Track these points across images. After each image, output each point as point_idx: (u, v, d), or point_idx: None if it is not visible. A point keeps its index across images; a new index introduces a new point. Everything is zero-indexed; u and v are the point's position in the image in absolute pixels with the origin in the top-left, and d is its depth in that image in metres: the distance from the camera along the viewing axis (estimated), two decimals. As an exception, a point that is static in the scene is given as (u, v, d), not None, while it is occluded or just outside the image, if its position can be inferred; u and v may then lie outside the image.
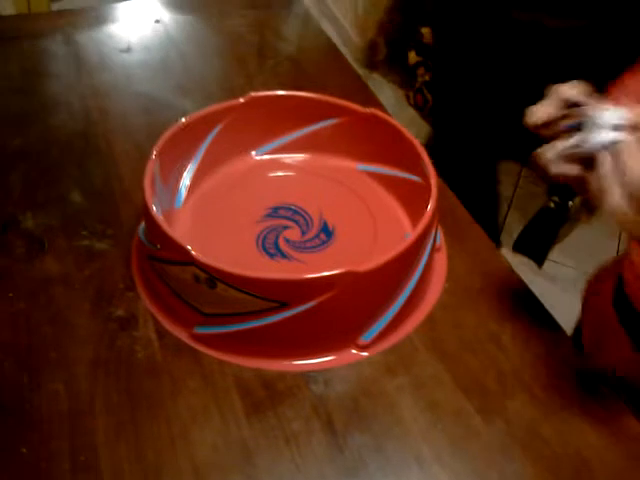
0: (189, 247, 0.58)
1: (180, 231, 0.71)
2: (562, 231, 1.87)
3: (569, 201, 1.85)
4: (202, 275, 0.58)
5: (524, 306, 0.70)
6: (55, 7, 2.61)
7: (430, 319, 0.67)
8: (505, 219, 1.99)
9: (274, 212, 0.76)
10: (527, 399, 0.61)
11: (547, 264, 1.86)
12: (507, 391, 0.61)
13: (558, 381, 0.63)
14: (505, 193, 2.03)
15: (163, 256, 0.63)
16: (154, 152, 0.68)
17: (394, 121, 0.76)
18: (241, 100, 0.76)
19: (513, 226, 1.93)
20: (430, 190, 0.67)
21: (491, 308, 0.69)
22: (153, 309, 0.66)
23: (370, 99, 0.99)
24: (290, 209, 0.77)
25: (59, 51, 1.06)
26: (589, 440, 0.58)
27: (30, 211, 0.76)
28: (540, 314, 0.69)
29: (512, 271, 0.74)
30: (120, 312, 0.66)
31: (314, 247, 0.73)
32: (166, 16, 1.16)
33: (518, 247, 1.83)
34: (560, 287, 1.80)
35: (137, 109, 0.93)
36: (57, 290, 0.67)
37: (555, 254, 1.88)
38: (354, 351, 0.64)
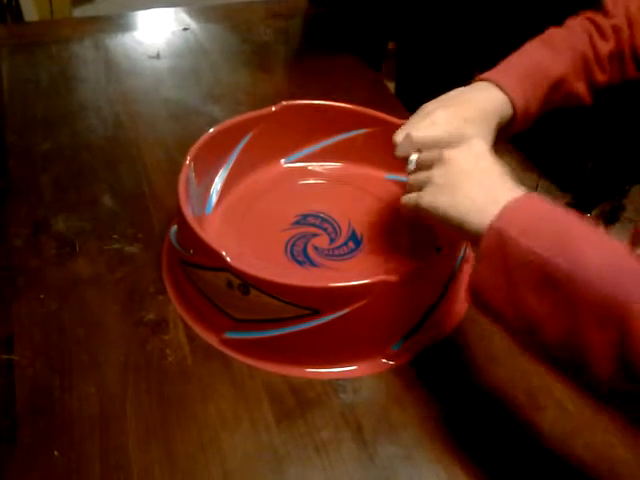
0: (224, 253, 0.58)
1: (210, 236, 0.71)
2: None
3: (587, 213, 1.84)
4: (236, 281, 0.58)
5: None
6: (76, 12, 2.65)
7: (459, 330, 0.67)
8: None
9: (303, 220, 0.77)
10: (557, 413, 0.60)
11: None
12: (537, 405, 0.61)
13: (588, 395, 0.62)
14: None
15: (196, 261, 0.63)
16: (188, 157, 0.68)
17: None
18: (273, 109, 0.77)
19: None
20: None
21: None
22: (183, 313, 0.66)
23: (396, 108, 0.99)
24: (318, 217, 0.77)
25: (88, 56, 1.07)
26: (620, 454, 0.58)
27: (61, 214, 0.76)
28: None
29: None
30: (151, 315, 0.66)
31: (342, 255, 0.73)
32: (194, 24, 1.17)
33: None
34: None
35: (166, 115, 0.94)
36: (88, 292, 0.68)
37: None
38: (384, 360, 0.64)
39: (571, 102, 0.70)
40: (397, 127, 0.77)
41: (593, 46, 0.68)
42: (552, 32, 0.71)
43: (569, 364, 0.45)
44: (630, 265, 0.41)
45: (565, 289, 0.42)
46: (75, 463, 0.54)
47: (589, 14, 0.71)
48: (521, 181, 0.52)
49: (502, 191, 0.49)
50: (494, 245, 0.46)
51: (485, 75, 0.66)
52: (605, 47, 0.68)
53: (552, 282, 0.42)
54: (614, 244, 0.44)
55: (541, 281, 0.43)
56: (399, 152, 0.62)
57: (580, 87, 0.69)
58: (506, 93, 0.63)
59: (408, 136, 0.60)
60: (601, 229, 0.45)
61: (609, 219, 1.93)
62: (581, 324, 0.41)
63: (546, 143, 1.96)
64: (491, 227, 0.46)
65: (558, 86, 0.67)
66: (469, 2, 1.13)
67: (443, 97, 0.65)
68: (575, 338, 0.42)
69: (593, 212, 1.85)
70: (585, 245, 0.43)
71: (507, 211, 0.47)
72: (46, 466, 0.54)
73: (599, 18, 0.70)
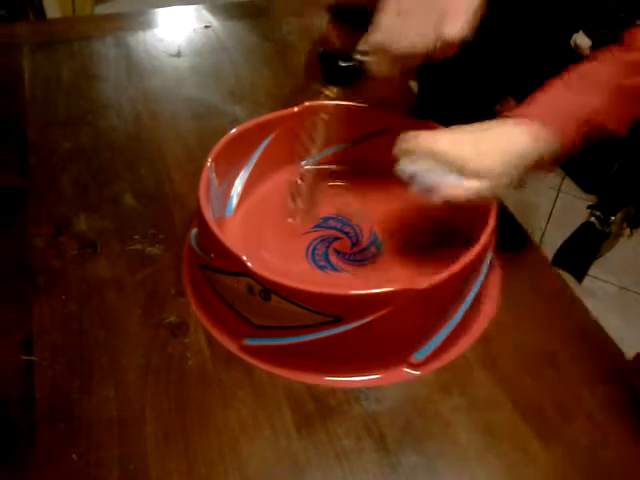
0: (245, 258, 0.57)
1: (230, 240, 0.70)
2: (603, 246, 1.83)
3: (611, 216, 1.81)
4: (257, 287, 0.57)
5: (581, 325, 0.68)
6: (98, 10, 2.66)
7: (485, 338, 0.66)
8: (544, 233, 1.96)
9: (324, 223, 0.76)
10: (586, 423, 0.59)
11: (586, 279, 1.82)
12: (565, 414, 0.59)
13: (618, 404, 0.60)
14: (544, 207, 1.99)
15: (217, 265, 0.62)
16: (209, 159, 0.67)
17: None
18: (295, 109, 0.76)
19: (552, 240, 1.89)
20: (487, 205, 0.65)
21: (548, 327, 0.67)
22: (203, 318, 0.66)
23: (421, 110, 0.97)
24: (340, 220, 0.76)
25: (109, 54, 1.07)
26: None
27: (83, 213, 0.76)
28: (598, 334, 0.67)
29: (568, 289, 0.72)
30: (171, 318, 0.65)
31: (364, 260, 0.72)
32: (216, 22, 1.16)
33: (558, 261, 1.80)
34: (600, 303, 1.77)
35: (187, 114, 0.93)
36: (109, 294, 0.67)
37: (595, 269, 1.83)
38: (406, 369, 0.62)
39: (604, 137, 0.65)
40: (421, 128, 0.75)
41: (627, 78, 0.63)
42: (583, 68, 0.65)
43: None
44: None
45: None
46: (94, 468, 0.54)
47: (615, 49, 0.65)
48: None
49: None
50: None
51: (514, 113, 0.62)
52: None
53: None
54: None
55: None
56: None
57: (612, 123, 0.64)
58: (534, 133, 0.60)
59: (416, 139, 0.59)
60: None
61: (634, 222, 1.89)
62: None
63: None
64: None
65: (589, 124, 0.63)
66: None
67: (464, 129, 0.62)
68: None
69: (617, 215, 1.82)
70: None
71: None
72: (64, 470, 0.54)
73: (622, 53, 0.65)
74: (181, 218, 0.76)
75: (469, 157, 0.58)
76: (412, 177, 0.58)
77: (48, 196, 0.78)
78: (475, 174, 0.58)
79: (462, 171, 0.58)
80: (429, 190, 0.59)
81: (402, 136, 0.60)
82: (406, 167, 0.58)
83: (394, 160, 0.65)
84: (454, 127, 0.62)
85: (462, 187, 0.58)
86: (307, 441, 0.57)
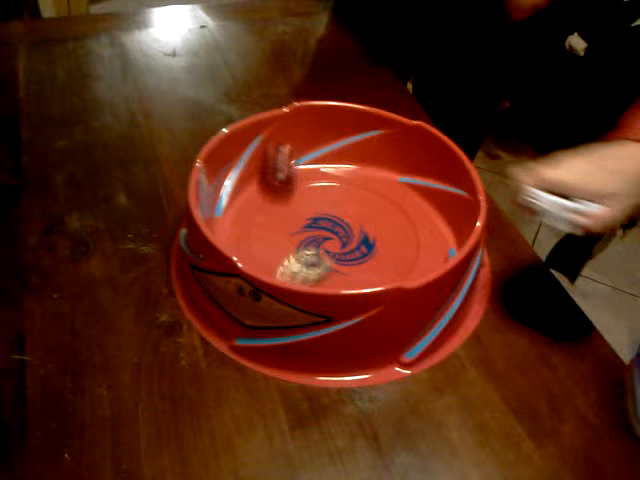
0: (235, 258, 0.57)
1: (220, 240, 0.70)
2: (596, 247, 1.84)
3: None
4: (247, 287, 0.57)
5: (574, 326, 0.68)
6: (93, 9, 2.65)
7: (476, 337, 0.66)
8: (537, 234, 1.96)
9: (314, 223, 0.76)
10: (579, 423, 0.59)
11: (579, 280, 1.82)
12: (558, 414, 0.60)
13: (611, 405, 0.61)
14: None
15: (206, 266, 0.62)
16: (198, 160, 0.67)
17: (441, 134, 0.74)
18: (285, 110, 0.76)
19: (545, 241, 1.90)
20: (477, 205, 0.66)
21: (540, 327, 0.67)
22: (193, 319, 0.65)
23: (415, 110, 0.98)
24: (330, 220, 0.76)
25: (104, 53, 1.07)
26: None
27: (76, 212, 0.76)
28: (590, 334, 0.67)
29: (562, 289, 0.72)
30: (164, 317, 0.65)
31: (354, 260, 0.72)
32: (211, 22, 1.16)
33: (551, 262, 1.80)
34: (592, 303, 1.78)
35: (181, 113, 0.93)
36: (102, 293, 0.67)
37: (587, 270, 1.84)
38: (397, 368, 0.62)
39: None
40: (412, 128, 0.76)
41: None
42: None
43: None
44: None
45: None
46: (86, 468, 0.54)
47: None
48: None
49: None
50: None
51: (628, 135, 0.58)
52: None
53: None
54: None
55: None
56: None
57: None
58: None
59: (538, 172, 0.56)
60: None
61: (627, 223, 1.90)
62: None
63: (565, 144, 1.93)
64: None
65: None
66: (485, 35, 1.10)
67: (577, 155, 0.58)
68: None
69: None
70: None
71: None
72: (56, 470, 0.54)
73: None
74: (174, 217, 0.76)
75: (593, 184, 0.56)
76: (538, 208, 0.57)
77: (41, 195, 0.78)
78: (600, 200, 0.56)
79: (586, 197, 0.56)
80: (557, 219, 0.57)
81: (518, 169, 0.58)
82: (530, 199, 0.57)
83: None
84: (561, 154, 0.59)
85: (588, 213, 0.56)
86: (301, 441, 0.57)
